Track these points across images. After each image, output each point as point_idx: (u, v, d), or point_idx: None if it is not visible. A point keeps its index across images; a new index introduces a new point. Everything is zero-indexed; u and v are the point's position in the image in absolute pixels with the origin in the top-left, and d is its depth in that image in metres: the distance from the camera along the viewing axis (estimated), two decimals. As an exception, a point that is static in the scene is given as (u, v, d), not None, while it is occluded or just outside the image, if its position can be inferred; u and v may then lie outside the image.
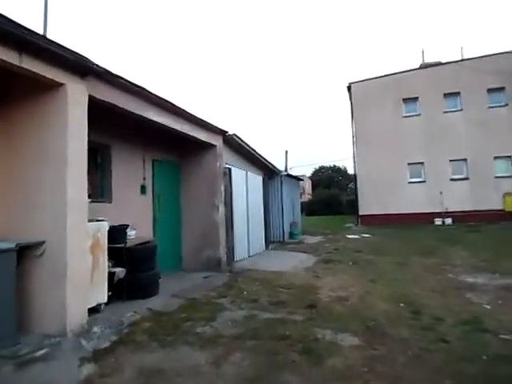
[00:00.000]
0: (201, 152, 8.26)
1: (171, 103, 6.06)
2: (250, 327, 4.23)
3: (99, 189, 6.30)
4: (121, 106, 5.09)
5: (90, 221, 4.77)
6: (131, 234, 6.21)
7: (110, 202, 6.27)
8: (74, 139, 4.19)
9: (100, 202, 6.10)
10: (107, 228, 5.06)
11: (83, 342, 3.80)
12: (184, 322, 4.42)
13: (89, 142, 5.89)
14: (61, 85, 4.13)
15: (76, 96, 4.25)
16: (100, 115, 5.87)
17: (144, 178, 7.13)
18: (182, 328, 4.24)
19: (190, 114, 6.72)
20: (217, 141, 8.16)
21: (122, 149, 6.57)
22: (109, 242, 5.38)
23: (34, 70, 3.75)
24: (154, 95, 5.60)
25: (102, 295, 4.92)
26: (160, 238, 7.46)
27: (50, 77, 3.93)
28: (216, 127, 7.86)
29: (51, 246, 4.06)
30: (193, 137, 7.24)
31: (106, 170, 6.36)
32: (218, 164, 8.16)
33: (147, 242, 6.13)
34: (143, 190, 7.12)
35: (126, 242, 5.59)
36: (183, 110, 6.46)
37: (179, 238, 8.23)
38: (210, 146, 8.11)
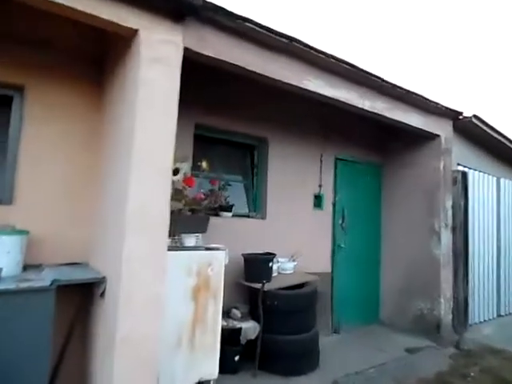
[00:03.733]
0: (412, 146, 5.40)
1: (347, 63, 3.71)
2: None
3: (250, 199, 4.64)
4: (253, 69, 3.20)
5: (195, 249, 3.11)
6: (287, 266, 4.23)
7: (264, 218, 4.49)
8: (147, 119, 2.56)
9: (247, 216, 4.42)
10: (226, 260, 3.25)
11: None
12: None
13: (234, 133, 4.36)
14: (132, 32, 2.60)
15: (155, 49, 2.63)
16: (249, 92, 4.22)
17: (320, 186, 5.00)
18: None
19: (386, 83, 4.13)
20: (441, 128, 5.11)
21: (284, 142, 4.69)
22: (242, 279, 3.64)
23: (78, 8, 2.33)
24: (314, 51, 3.42)
25: (210, 366, 3.12)
26: (344, 273, 5.15)
27: (106, 18, 2.44)
28: (439, 106, 4.86)
29: (112, 286, 2.58)
30: (396, 121, 4.57)
31: (259, 173, 4.64)
32: (441, 165, 5.09)
33: (304, 284, 3.98)
34: (318, 202, 4.99)
35: (266, 282, 3.64)
36: (372, 75, 3.96)
37: (376, 275, 5.61)
38: (428, 138, 5.16)
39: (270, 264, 3.78)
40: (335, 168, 5.21)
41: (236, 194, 4.52)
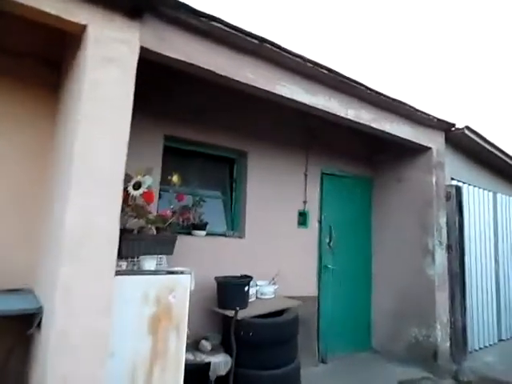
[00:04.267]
0: (403, 159, 5.11)
1: (326, 68, 3.44)
2: None
3: (228, 216, 4.29)
4: (224, 73, 2.91)
5: (154, 273, 2.74)
6: (266, 290, 3.84)
7: (242, 237, 4.13)
8: (93, 126, 2.24)
9: (223, 235, 4.07)
10: (191, 286, 2.88)
11: None
12: None
13: (210, 146, 4.04)
14: (81, 29, 2.31)
15: (107, 48, 2.33)
16: (225, 101, 3.95)
17: (305, 202, 4.67)
18: None
19: (371, 91, 3.85)
20: (432, 140, 4.82)
21: (265, 155, 4.38)
22: (215, 305, 3.28)
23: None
24: (288, 53, 3.15)
25: (171, 409, 2.71)
26: (332, 296, 4.76)
27: (52, 12, 2.15)
28: (431, 117, 4.59)
29: (48, 318, 2.19)
30: (384, 132, 4.29)
31: (238, 188, 4.31)
32: (433, 179, 4.77)
33: (283, 312, 3.59)
34: (303, 219, 4.65)
35: (240, 309, 3.24)
36: (354, 81, 3.69)
37: (367, 297, 5.21)
38: (418, 150, 4.86)
39: (246, 288, 3.41)
40: (321, 183, 4.88)
41: (213, 211, 4.19)
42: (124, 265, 2.67)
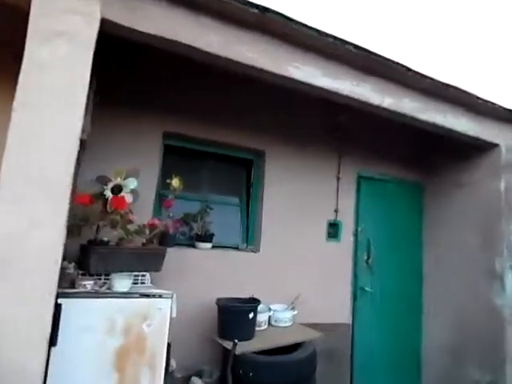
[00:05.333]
0: (461, 160, 4.17)
1: (353, 45, 2.75)
2: None
3: (243, 227, 3.71)
4: (215, 51, 2.38)
5: (124, 296, 2.25)
6: (282, 316, 3.20)
7: (256, 251, 3.53)
8: (34, 111, 1.82)
9: (235, 248, 3.50)
10: (173, 312, 2.34)
11: None
12: None
13: (222, 145, 3.52)
14: (23, -3, 1.91)
15: (56, 20, 1.91)
16: (238, 92, 3.43)
17: (336, 211, 3.94)
18: None
19: (414, 73, 3.08)
20: (500, 136, 3.85)
21: (287, 156, 3.75)
22: (216, 333, 2.73)
23: None
24: (300, 26, 2.52)
25: None
26: (370, 325, 3.97)
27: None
28: (497, 106, 3.65)
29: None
30: (434, 126, 3.47)
31: (254, 193, 3.72)
32: (502, 185, 3.79)
33: (299, 345, 2.91)
34: (334, 231, 3.92)
35: (239, 341, 2.64)
36: (391, 61, 2.95)
37: (416, 328, 4.30)
38: (482, 149, 3.92)
39: (251, 315, 2.79)
40: (358, 189, 4.13)
41: (225, 220, 3.65)
42: (89, 284, 2.21)
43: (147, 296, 2.29)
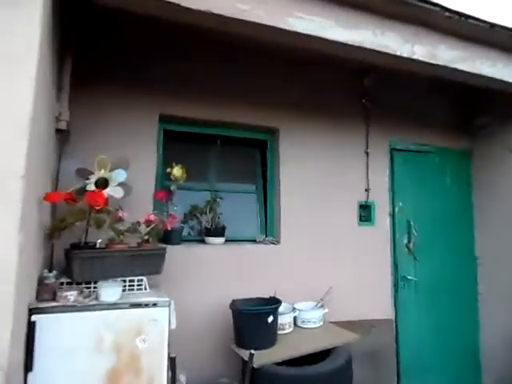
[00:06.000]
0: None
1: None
2: None
3: (259, 217, 3.29)
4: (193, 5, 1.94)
5: (110, 307, 1.90)
6: (310, 316, 2.77)
7: (277, 243, 3.09)
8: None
9: (252, 241, 3.10)
10: (172, 323, 1.97)
11: None
12: None
13: (230, 126, 3.10)
14: None
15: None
16: (245, 63, 3.00)
17: (367, 190, 3.42)
18: None
19: (450, 13, 2.48)
20: None
21: (306, 131, 3.26)
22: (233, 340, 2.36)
23: None
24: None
25: None
26: (416, 317, 3.45)
27: None
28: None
29: None
30: (482, 78, 2.86)
31: (270, 178, 3.28)
32: None
33: (330, 350, 2.46)
34: (366, 213, 3.41)
35: (256, 349, 2.24)
36: (421, 1, 2.38)
37: (472, 320, 3.70)
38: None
39: (270, 319, 2.37)
40: (391, 162, 3.56)
41: (240, 210, 3.25)
42: (73, 295, 1.88)
43: (139, 306, 1.93)
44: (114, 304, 1.89)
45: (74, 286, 1.99)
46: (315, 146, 3.27)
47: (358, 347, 2.93)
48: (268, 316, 2.37)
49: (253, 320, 2.37)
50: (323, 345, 2.48)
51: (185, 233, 3.00)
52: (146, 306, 1.94)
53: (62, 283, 2.01)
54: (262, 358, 2.24)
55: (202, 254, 2.79)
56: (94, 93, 2.59)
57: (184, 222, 3.03)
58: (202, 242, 2.91)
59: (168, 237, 2.72)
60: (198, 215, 2.92)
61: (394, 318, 3.35)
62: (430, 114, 3.72)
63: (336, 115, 3.36)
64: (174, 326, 2.01)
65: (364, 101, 3.44)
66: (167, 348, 1.94)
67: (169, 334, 1.95)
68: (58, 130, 2.26)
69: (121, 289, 1.99)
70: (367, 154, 3.44)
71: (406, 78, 3.24)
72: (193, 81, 2.89)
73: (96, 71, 2.60)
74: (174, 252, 2.68)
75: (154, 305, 1.95)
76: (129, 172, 2.39)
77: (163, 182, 2.86)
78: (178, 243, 2.75)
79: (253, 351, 2.19)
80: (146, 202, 2.65)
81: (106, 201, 2.02)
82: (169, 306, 1.97)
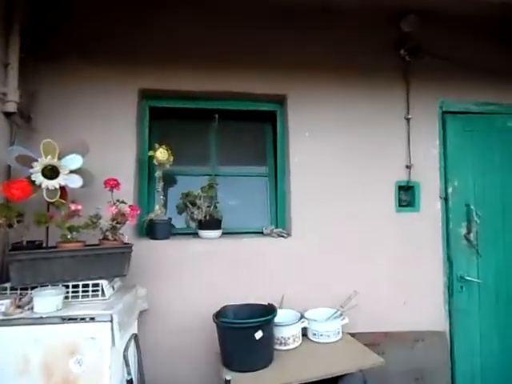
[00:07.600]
0: None
1: None
2: None
3: (268, 205, 2.75)
4: None
5: (37, 322, 1.56)
6: (323, 329, 2.23)
7: (287, 235, 2.53)
8: None
9: (255, 233, 2.60)
10: (115, 340, 1.58)
11: None
12: None
13: (228, 97, 2.61)
14: None
15: None
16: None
17: (409, 167, 2.67)
18: None
19: None
20: None
21: (320, 98, 2.61)
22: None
23: None
24: None
25: None
26: (479, 330, 2.69)
27: None
28: None
29: None
30: None
31: (280, 159, 2.71)
32: None
33: (339, 379, 1.88)
34: (409, 197, 2.68)
35: (244, 371, 1.76)
36: None
37: None
38: None
39: (258, 334, 1.86)
40: (443, 130, 2.75)
41: (245, 198, 2.77)
42: (3, 305, 1.58)
43: (73, 320, 1.57)
44: (40, 318, 1.55)
45: (8, 293, 1.70)
46: (338, 116, 2.62)
47: (401, 365, 2.33)
48: (255, 331, 1.87)
49: (236, 335, 1.89)
50: (334, 370, 1.90)
51: (181, 225, 2.62)
52: (83, 320, 1.57)
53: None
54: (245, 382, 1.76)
55: (192, 250, 2.36)
56: (61, 72, 2.27)
57: (179, 213, 2.64)
58: (197, 235, 2.48)
59: (153, 230, 2.36)
60: (189, 205, 2.48)
61: (447, 330, 2.61)
62: (491, 63, 2.79)
63: (364, 72, 2.65)
64: (116, 344, 1.60)
65: (402, 51, 2.67)
66: (109, 373, 1.55)
67: (111, 354, 1.57)
68: (6, 114, 1.98)
69: (61, 297, 1.65)
70: (408, 120, 2.68)
71: (456, 19, 2.42)
72: (175, 46, 2.44)
73: (60, 47, 2.28)
74: (158, 248, 2.32)
75: (92, 319, 1.57)
76: (100, 159, 2.07)
77: (154, 169, 2.48)
78: (166, 237, 2.37)
79: (228, 377, 1.72)
80: (125, 192, 2.28)
81: (30, 193, 1.67)
82: (111, 321, 1.58)
